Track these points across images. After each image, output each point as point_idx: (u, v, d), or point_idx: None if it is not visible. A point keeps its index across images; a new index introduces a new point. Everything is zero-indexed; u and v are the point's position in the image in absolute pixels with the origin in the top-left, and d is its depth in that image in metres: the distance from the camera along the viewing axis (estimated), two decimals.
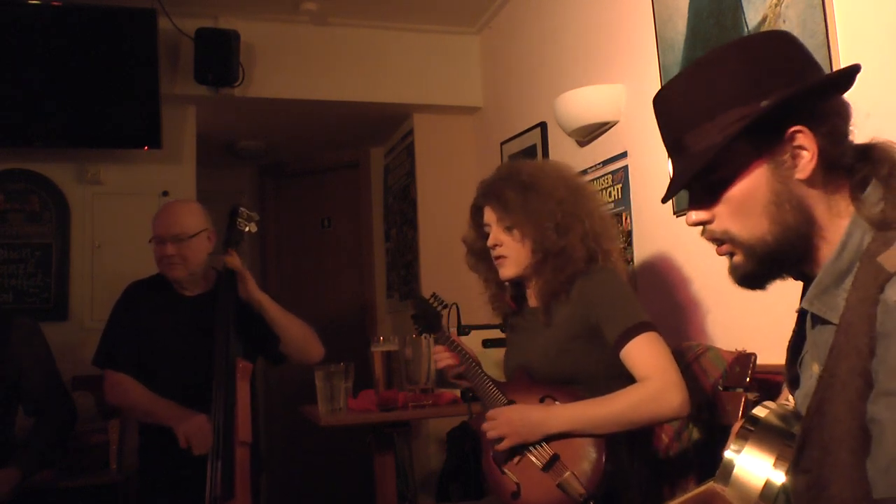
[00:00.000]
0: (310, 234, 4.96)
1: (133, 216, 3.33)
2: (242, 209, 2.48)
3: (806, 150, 0.97)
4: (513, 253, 1.84)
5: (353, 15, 3.67)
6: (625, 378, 1.70)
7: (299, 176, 5.00)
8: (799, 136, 0.97)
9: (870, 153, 1.00)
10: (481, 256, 1.96)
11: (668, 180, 1.09)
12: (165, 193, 3.46)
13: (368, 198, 4.77)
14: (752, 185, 0.99)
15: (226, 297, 2.34)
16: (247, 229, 2.47)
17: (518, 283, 1.96)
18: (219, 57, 3.37)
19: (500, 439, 1.74)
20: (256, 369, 2.55)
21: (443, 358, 2.02)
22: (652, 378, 1.64)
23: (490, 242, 1.88)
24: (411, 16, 3.72)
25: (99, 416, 2.99)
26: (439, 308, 2.10)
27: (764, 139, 0.98)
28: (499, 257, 1.87)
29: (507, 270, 1.87)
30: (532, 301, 1.94)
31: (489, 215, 1.89)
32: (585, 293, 1.78)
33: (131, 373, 2.36)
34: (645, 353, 1.67)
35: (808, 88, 0.98)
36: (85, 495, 2.77)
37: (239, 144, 4.56)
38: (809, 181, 0.98)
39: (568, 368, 1.79)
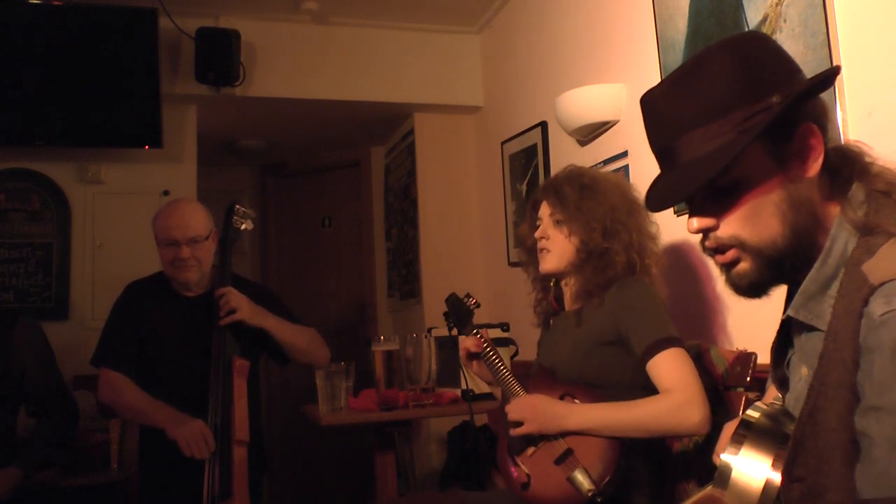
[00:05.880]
0: (310, 233, 4.96)
1: (134, 215, 3.33)
2: (238, 206, 2.46)
3: (815, 148, 0.96)
4: (557, 247, 1.87)
5: (353, 14, 3.67)
6: (647, 391, 1.70)
7: (300, 175, 5.01)
8: (809, 133, 0.96)
9: (845, 153, 1.00)
10: (531, 252, 1.98)
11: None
12: (166, 193, 3.46)
13: (369, 197, 4.77)
14: (765, 186, 0.96)
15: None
16: (243, 227, 2.45)
17: (558, 285, 1.98)
18: (219, 56, 3.37)
19: (518, 425, 1.75)
20: (260, 367, 2.56)
21: (465, 346, 2.00)
22: (675, 391, 1.65)
23: (537, 234, 1.91)
24: (412, 15, 3.72)
25: (100, 415, 2.98)
26: (472, 307, 2.09)
27: (775, 138, 0.95)
28: (542, 249, 1.90)
29: (548, 264, 1.89)
30: (568, 305, 1.95)
31: (544, 209, 1.92)
32: (619, 300, 1.79)
33: (131, 372, 2.34)
34: (671, 367, 1.68)
35: (812, 85, 0.96)
36: (86, 494, 2.77)
37: (240, 143, 4.56)
38: (813, 180, 0.97)
39: (592, 372, 1.80)
